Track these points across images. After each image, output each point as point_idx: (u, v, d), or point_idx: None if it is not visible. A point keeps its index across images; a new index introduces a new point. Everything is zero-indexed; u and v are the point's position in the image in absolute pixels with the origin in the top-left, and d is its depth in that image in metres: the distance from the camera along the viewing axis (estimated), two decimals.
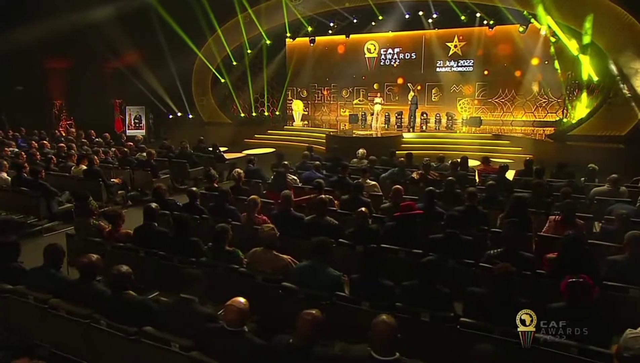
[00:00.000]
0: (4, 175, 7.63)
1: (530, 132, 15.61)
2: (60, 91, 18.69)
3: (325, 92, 21.35)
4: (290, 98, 21.48)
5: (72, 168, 8.43)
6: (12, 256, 3.93)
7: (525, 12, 14.29)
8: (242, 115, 20.90)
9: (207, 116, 20.51)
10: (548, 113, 16.60)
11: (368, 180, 6.87)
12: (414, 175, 7.45)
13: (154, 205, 4.82)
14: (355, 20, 18.14)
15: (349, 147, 12.97)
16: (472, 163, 9.41)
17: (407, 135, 15.47)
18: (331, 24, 18.48)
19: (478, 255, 4.28)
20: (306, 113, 20.49)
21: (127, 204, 8.75)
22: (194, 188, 6.03)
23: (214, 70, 19.64)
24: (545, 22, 13.98)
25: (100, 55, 17.61)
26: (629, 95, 12.11)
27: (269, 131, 18.79)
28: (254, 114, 21.13)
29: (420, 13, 16.67)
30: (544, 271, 3.95)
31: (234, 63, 19.77)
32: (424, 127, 17.32)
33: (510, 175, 7.58)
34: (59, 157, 9.31)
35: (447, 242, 4.36)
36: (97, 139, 12.26)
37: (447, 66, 18.31)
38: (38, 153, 9.36)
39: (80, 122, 18.49)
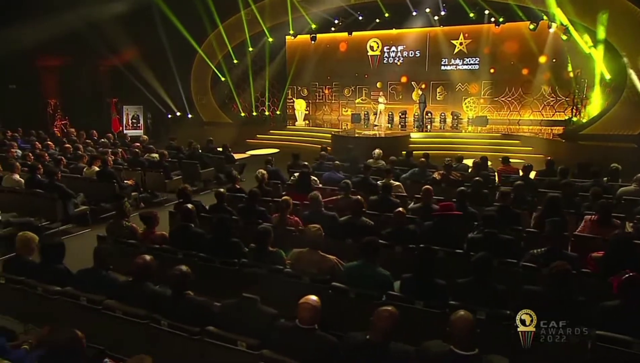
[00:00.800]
0: (17, 176, 7.50)
1: (538, 131, 15.65)
2: (54, 90, 18.40)
3: (326, 91, 21.22)
4: (290, 97, 21.43)
5: (85, 169, 8.32)
6: (58, 257, 3.88)
7: (537, 9, 14.21)
8: (243, 114, 20.78)
9: (207, 116, 20.39)
10: (556, 112, 16.65)
11: (392, 181, 6.86)
12: (436, 175, 7.45)
13: (189, 206, 4.77)
14: (360, 18, 17.97)
15: (355, 147, 13.05)
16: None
17: (415, 135, 15.47)
18: (336, 21, 18.32)
19: (515, 254, 4.30)
20: (307, 112, 20.41)
21: (139, 206, 8.68)
22: (221, 190, 5.97)
23: (214, 67, 19.53)
24: (559, 20, 13.96)
25: (96, 53, 17.26)
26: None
27: (271, 131, 18.73)
28: (254, 113, 21.03)
29: (427, 10, 16.54)
30: (589, 270, 3.97)
31: (235, 61, 19.64)
32: (429, 127, 17.34)
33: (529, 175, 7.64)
34: (65, 158, 9.19)
35: (486, 241, 4.36)
36: (102, 140, 12.12)
37: (453, 64, 18.29)
38: (46, 154, 9.21)
39: (75, 121, 18.34)
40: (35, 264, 4.02)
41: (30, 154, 9.13)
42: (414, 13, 16.71)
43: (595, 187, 5.75)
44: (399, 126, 17.80)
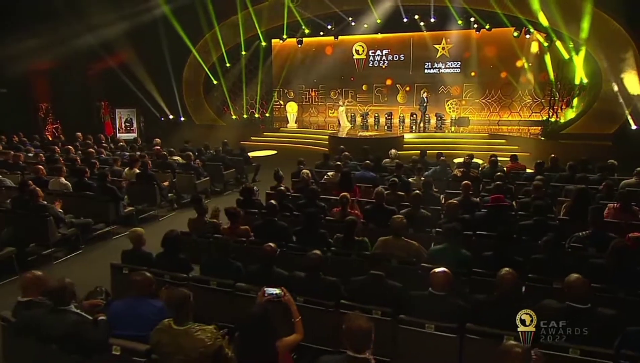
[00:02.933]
0: (63, 179, 7.74)
1: (517, 131, 16.82)
2: (45, 94, 18.22)
3: (312, 94, 21.79)
4: (277, 100, 21.91)
5: (125, 171, 8.61)
6: (176, 248, 4.35)
7: (523, 18, 15.25)
8: (234, 117, 21.08)
9: (199, 119, 20.58)
10: (533, 113, 17.89)
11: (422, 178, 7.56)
12: (456, 172, 8.21)
13: (273, 202, 5.30)
14: (353, 23, 18.56)
15: (353, 147, 13.73)
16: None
17: (408, 136, 16.31)
18: (329, 27, 18.89)
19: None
20: (297, 115, 20.97)
21: (174, 207, 9.06)
22: (282, 188, 6.49)
23: (207, 70, 19.77)
24: (542, 27, 15.05)
25: (87, 55, 17.26)
26: (617, 95, 13.40)
27: (264, 133, 19.19)
28: (244, 116, 21.33)
29: (416, 17, 17.41)
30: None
31: (228, 65, 19.95)
32: (414, 128, 18.19)
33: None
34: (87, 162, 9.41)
35: (536, 227, 5.10)
36: (120, 143, 12.38)
37: (435, 68, 19.25)
38: (78, 158, 9.41)
39: (66, 125, 18.24)
40: (149, 254, 4.48)
41: (61, 159, 9.27)
42: (405, 20, 17.48)
43: (608, 180, 6.63)
44: (385, 127, 18.46)
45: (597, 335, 2.97)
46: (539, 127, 16.52)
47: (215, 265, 4.14)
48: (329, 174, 8.16)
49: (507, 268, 3.36)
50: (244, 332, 2.88)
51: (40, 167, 7.89)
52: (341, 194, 5.93)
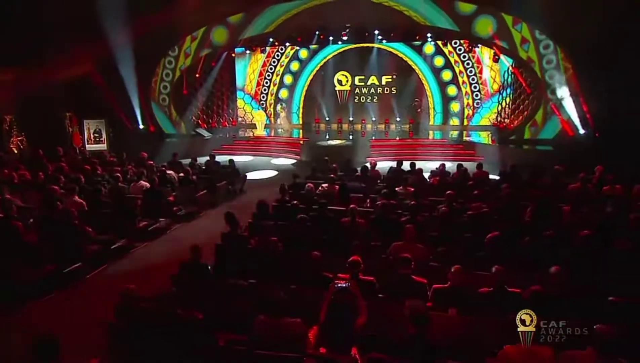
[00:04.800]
0: (77, 198, 8.21)
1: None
2: (8, 105, 17.87)
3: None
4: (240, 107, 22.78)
5: (130, 187, 9.18)
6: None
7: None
8: (203, 127, 21.47)
9: (168, 128, 20.79)
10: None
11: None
12: (432, 181, 9.47)
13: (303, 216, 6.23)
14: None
15: (322, 154, 14.87)
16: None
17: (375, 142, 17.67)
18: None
19: None
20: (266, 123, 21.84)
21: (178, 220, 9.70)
22: (295, 201, 7.41)
23: (168, 80, 20.03)
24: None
25: (52, 65, 17.18)
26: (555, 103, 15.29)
27: (236, 142, 19.86)
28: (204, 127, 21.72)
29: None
30: None
31: (197, 75, 20.36)
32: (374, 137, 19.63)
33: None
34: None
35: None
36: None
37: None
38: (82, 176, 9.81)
39: (32, 138, 18.02)
40: (206, 265, 5.30)
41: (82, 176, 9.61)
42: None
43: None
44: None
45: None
46: (487, 132, 18.39)
47: None
48: (323, 185, 9.10)
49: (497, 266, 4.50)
50: (334, 316, 3.83)
51: (56, 187, 8.30)
52: (350, 207, 6.89)
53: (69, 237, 6.78)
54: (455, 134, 19.23)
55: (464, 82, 19.80)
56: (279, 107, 22.00)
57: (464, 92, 19.88)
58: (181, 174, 10.92)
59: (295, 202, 7.38)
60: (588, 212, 6.90)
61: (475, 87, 19.68)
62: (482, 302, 4.41)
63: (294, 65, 22.17)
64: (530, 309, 3.94)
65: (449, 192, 7.57)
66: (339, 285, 4.12)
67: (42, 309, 5.81)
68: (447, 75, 20.09)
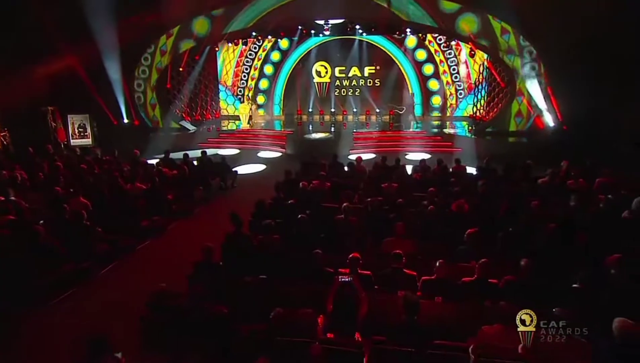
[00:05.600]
0: (82, 199, 8.62)
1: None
2: None
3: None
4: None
5: (128, 187, 9.60)
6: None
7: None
8: (187, 120, 21.71)
9: (154, 122, 20.95)
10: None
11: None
12: (415, 176, 10.19)
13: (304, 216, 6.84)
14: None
15: (307, 148, 15.57)
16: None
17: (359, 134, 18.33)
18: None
19: None
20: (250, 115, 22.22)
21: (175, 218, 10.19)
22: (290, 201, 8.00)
23: (144, 77, 20.17)
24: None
25: (33, 58, 17.11)
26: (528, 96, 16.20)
27: (221, 135, 20.24)
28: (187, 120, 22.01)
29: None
30: None
31: (180, 69, 20.54)
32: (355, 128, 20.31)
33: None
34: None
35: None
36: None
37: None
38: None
39: (15, 133, 18.03)
40: (219, 264, 5.88)
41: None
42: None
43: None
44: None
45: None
46: (466, 122, 19.31)
47: None
48: (314, 182, 9.71)
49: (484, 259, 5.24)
50: (339, 306, 4.50)
51: (58, 189, 8.69)
52: (343, 205, 7.53)
53: (80, 237, 7.24)
54: (437, 123, 20.01)
55: (444, 71, 20.60)
56: (258, 98, 22.66)
57: (444, 81, 20.68)
58: (174, 171, 11.37)
59: (291, 201, 7.96)
60: (554, 206, 7.72)
61: (456, 77, 20.50)
62: (463, 290, 5.14)
63: (275, 55, 22.53)
64: (504, 295, 4.71)
65: (431, 189, 8.30)
66: (343, 279, 4.78)
67: (65, 307, 6.30)
68: (428, 69, 20.84)
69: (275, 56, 22.62)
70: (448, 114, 21.00)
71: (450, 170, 10.80)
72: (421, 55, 20.83)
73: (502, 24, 15.93)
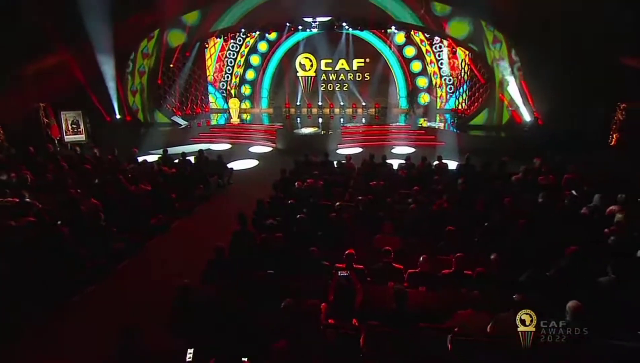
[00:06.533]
0: (93, 200, 9.27)
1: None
2: None
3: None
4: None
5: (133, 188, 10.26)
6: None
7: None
8: (178, 115, 22.20)
9: (144, 117, 21.41)
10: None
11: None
12: (401, 173, 11.06)
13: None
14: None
15: (297, 143, 16.31)
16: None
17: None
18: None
19: None
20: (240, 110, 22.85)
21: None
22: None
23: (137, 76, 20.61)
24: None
25: (25, 54, 17.18)
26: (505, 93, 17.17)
27: (212, 129, 20.81)
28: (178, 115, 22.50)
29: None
30: None
31: (171, 65, 20.98)
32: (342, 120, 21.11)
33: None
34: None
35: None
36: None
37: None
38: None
39: (9, 130, 18.36)
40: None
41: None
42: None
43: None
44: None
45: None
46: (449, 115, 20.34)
47: None
48: (308, 181, 10.48)
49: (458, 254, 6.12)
50: (339, 296, 5.34)
51: (72, 190, 9.31)
52: (337, 204, 8.38)
53: (98, 237, 7.93)
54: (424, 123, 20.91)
55: (431, 61, 21.44)
56: (243, 89, 23.41)
57: (430, 72, 21.52)
58: (173, 170, 12.04)
59: (290, 201, 8.73)
60: (525, 203, 8.66)
61: (443, 71, 21.36)
62: (443, 281, 6.03)
63: (262, 46, 23.03)
64: (476, 285, 5.59)
65: (415, 188, 9.16)
66: (342, 274, 5.61)
67: (91, 301, 7.04)
68: (416, 65, 21.71)
69: (263, 47, 23.10)
70: (439, 106, 21.86)
71: (433, 166, 11.68)
72: (410, 51, 21.60)
73: (495, 32, 16.73)
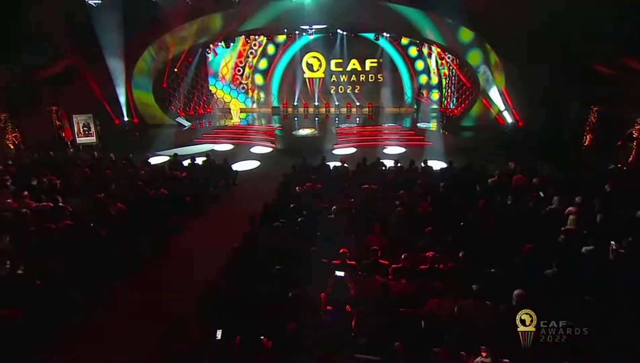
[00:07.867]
0: (119, 204, 10.50)
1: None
2: (2, 103, 18.90)
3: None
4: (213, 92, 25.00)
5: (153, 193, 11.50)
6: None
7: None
8: (182, 116, 23.34)
9: (151, 119, 22.48)
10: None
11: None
12: (390, 176, 12.34)
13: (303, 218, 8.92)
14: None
15: (295, 144, 17.46)
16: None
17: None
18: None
19: None
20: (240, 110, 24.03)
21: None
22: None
23: (147, 70, 21.56)
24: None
25: (38, 60, 17.73)
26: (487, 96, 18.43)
27: (215, 130, 21.99)
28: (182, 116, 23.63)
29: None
30: None
31: (175, 70, 22.09)
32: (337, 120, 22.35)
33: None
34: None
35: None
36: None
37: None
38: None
39: (25, 134, 19.45)
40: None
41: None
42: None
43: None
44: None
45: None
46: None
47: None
48: (307, 184, 11.74)
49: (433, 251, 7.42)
50: (337, 295, 6.65)
51: (100, 195, 10.54)
52: (333, 208, 9.64)
53: (125, 238, 9.19)
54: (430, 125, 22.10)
55: (445, 74, 22.66)
56: (256, 78, 24.57)
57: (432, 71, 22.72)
58: (184, 174, 13.26)
59: (292, 205, 9.98)
60: (497, 204, 9.97)
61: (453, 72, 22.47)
62: (421, 275, 7.34)
63: (270, 49, 24.11)
64: (445, 278, 6.90)
65: (402, 192, 10.45)
66: (338, 275, 6.90)
67: (128, 291, 8.32)
68: (420, 64, 23.11)
69: (271, 50, 24.16)
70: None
71: (420, 169, 12.97)
72: (413, 51, 22.96)
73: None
